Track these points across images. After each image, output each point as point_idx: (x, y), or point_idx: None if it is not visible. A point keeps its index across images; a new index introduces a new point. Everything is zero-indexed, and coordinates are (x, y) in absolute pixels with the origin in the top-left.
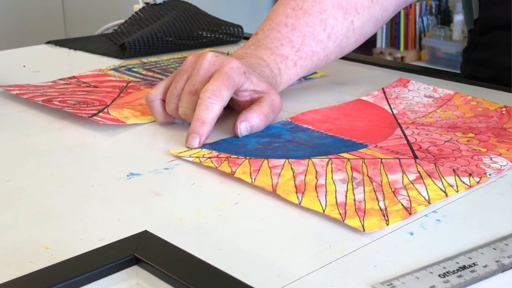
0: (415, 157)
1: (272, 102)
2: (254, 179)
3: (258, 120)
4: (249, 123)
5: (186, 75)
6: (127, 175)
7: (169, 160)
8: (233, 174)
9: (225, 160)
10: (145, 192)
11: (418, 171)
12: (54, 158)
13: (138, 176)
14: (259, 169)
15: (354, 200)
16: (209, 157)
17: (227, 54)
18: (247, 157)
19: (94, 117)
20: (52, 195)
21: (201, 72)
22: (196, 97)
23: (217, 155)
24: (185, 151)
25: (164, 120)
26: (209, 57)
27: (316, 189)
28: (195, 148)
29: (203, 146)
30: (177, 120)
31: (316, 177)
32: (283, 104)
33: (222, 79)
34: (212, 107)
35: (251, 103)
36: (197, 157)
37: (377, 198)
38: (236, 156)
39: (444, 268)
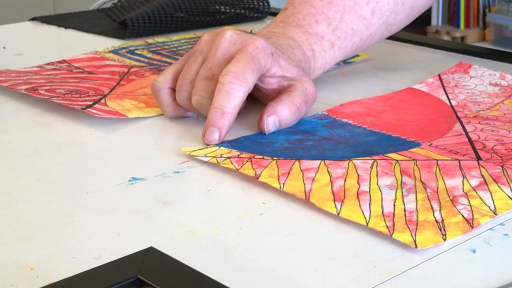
0: (478, 158)
1: (305, 92)
2: (283, 184)
3: (288, 114)
4: (278, 117)
5: (200, 57)
6: (129, 180)
7: (179, 162)
8: (258, 178)
9: (247, 161)
10: (151, 201)
11: (482, 175)
12: (40, 160)
13: (142, 181)
14: (289, 172)
15: (404, 210)
16: (229, 157)
17: (250, 33)
18: (274, 158)
19: (88, 110)
20: (38, 205)
21: (219, 53)
22: (213, 83)
23: (238, 155)
24: (199, 149)
25: (173, 113)
26: (228, 35)
27: (358, 196)
28: (211, 146)
29: (222, 144)
30: (189, 113)
31: (358, 183)
32: (317, 93)
33: (246, 60)
34: (234, 93)
35: (279, 92)
36: (213, 156)
37: (432, 207)
38: (261, 157)
39: None
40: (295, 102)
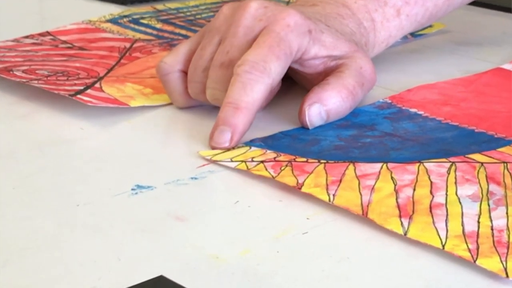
0: None
1: (360, 71)
2: (334, 195)
3: (339, 101)
4: (324, 106)
5: (217, 36)
6: (132, 189)
7: (198, 165)
8: (300, 188)
9: (286, 165)
10: (161, 216)
11: None
12: (16, 163)
13: (150, 191)
14: (340, 180)
15: (492, 229)
16: (262, 161)
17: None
18: (321, 161)
19: (78, 97)
20: (14, 221)
21: (239, 32)
22: (231, 72)
23: (274, 158)
24: (222, 152)
25: (185, 103)
26: (253, 8)
27: (431, 211)
28: (239, 146)
29: (252, 143)
30: (204, 103)
31: (431, 192)
32: (377, 75)
33: (270, 44)
34: (252, 85)
35: (325, 75)
36: (242, 161)
37: None
38: (305, 159)
39: None
40: (346, 85)
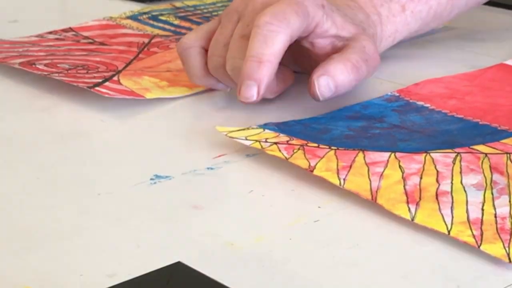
0: None
1: (363, 50)
2: (344, 180)
3: (344, 73)
4: (331, 77)
5: (236, 15)
6: (151, 179)
7: (214, 156)
8: (312, 171)
9: (299, 148)
10: (178, 205)
11: None
12: (39, 154)
13: (168, 180)
14: (350, 166)
15: (495, 216)
16: (275, 143)
17: None
18: (332, 147)
19: (96, 88)
20: (37, 210)
21: (258, 7)
22: None
23: (287, 141)
24: (238, 130)
25: (203, 80)
26: None
27: (437, 198)
28: (253, 127)
29: (266, 126)
30: (221, 85)
31: (437, 181)
32: (386, 70)
33: (289, 2)
34: (273, 37)
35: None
36: (257, 140)
37: None
38: (316, 145)
39: None
40: (350, 59)
